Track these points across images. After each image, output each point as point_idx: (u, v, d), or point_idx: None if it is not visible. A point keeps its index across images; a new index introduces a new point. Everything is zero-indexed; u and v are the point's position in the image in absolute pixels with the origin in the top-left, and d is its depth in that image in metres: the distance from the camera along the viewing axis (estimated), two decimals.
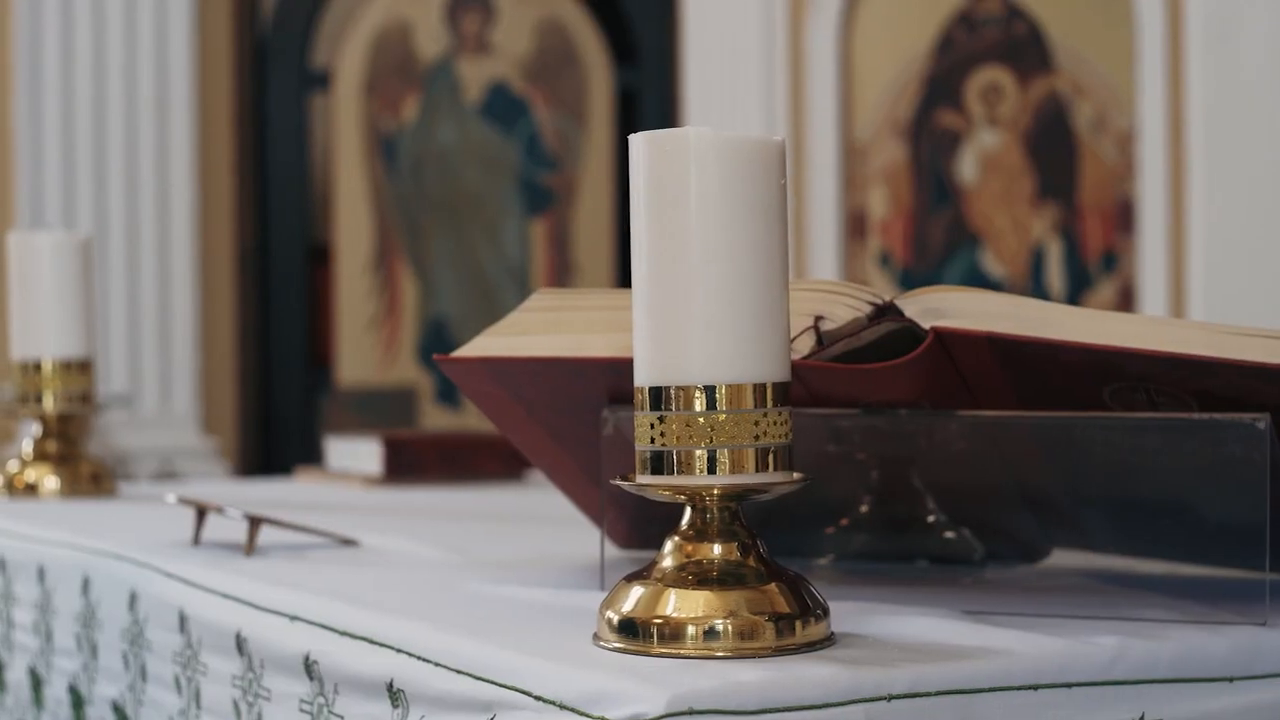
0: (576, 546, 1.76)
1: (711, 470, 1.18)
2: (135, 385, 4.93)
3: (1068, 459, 1.41)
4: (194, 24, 5.07)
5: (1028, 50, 4.40)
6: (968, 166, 4.52)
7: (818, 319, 1.35)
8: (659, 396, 1.19)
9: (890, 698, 1.12)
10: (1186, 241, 3.98)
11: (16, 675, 2.04)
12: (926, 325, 1.32)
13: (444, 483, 2.61)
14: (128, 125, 4.98)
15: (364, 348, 5.38)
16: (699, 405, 1.18)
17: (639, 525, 1.58)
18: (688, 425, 1.18)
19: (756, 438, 1.18)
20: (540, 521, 2.15)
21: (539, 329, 1.46)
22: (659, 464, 1.19)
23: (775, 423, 1.19)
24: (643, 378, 1.20)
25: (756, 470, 1.19)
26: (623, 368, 1.41)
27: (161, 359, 5.01)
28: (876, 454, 1.51)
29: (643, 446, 1.20)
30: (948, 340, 1.32)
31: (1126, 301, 4.23)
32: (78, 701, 1.88)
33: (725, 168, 1.18)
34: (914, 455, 1.50)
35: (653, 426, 1.19)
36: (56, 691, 1.93)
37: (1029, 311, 1.31)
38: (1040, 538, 1.57)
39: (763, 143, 1.19)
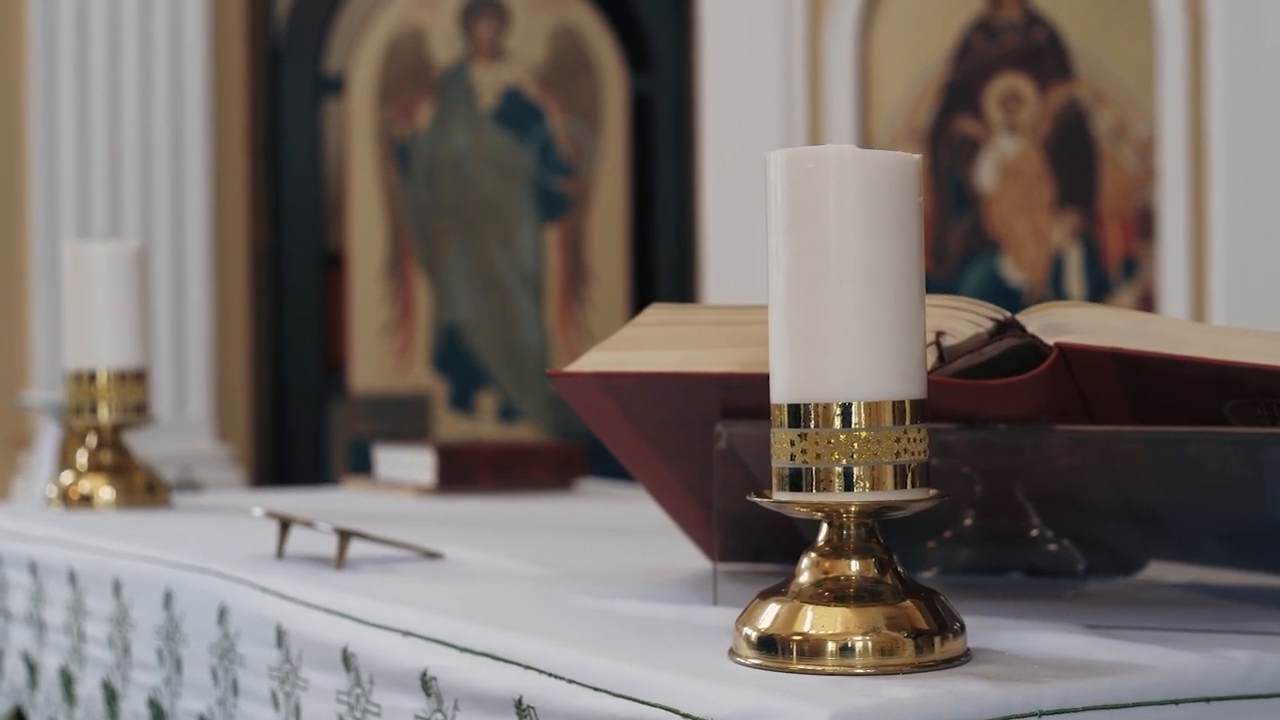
0: (664, 558, 1.77)
1: (849, 487, 1.19)
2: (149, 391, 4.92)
3: (1180, 473, 1.41)
4: (208, 30, 5.06)
5: (1047, 57, 4.41)
6: (987, 173, 4.52)
7: (939, 335, 1.36)
8: (798, 413, 1.19)
9: (1041, 714, 1.12)
10: (1208, 248, 3.99)
11: (88, 689, 2.04)
12: (1050, 341, 1.33)
13: (496, 492, 2.60)
14: (142, 131, 4.97)
15: (378, 354, 5.37)
16: (838, 423, 1.18)
17: (741, 540, 1.58)
18: (829, 442, 1.18)
19: (897, 454, 1.18)
20: (613, 532, 2.15)
21: (652, 344, 1.46)
22: (797, 481, 1.20)
23: (914, 439, 1.19)
24: (781, 394, 1.20)
25: (895, 487, 1.19)
26: (737, 383, 1.42)
27: (176, 365, 5.00)
28: (981, 468, 1.51)
29: (781, 463, 1.20)
30: (1069, 355, 1.32)
31: (1147, 309, 4.24)
32: (159, 715, 1.87)
33: (865, 185, 1.18)
34: (1018, 469, 1.50)
35: (792, 444, 1.19)
36: (134, 705, 1.93)
37: (1153, 327, 1.32)
38: (1139, 550, 1.57)
39: (901, 160, 1.20)
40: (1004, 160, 4.50)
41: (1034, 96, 4.45)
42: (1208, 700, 1.19)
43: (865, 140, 4.66)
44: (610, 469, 2.69)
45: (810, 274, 1.19)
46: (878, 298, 1.18)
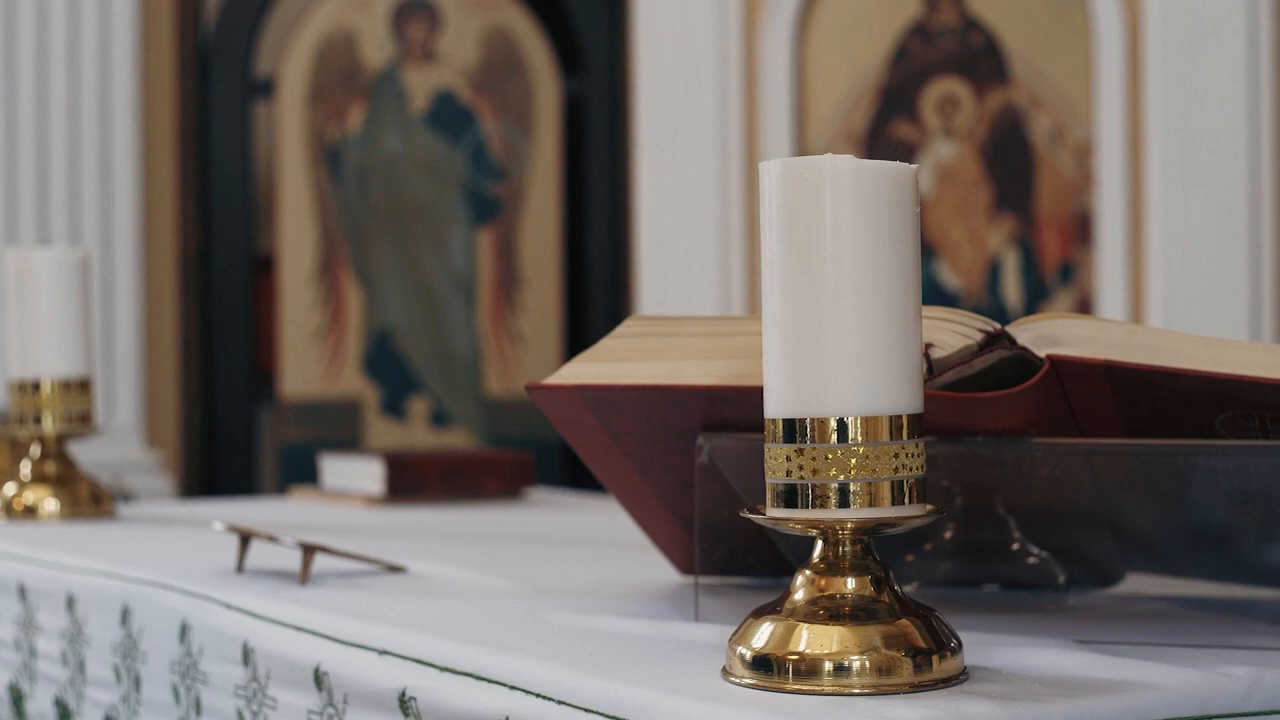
0: (634, 571, 1.74)
1: (845, 504, 1.16)
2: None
3: (1165, 485, 1.40)
4: (136, 31, 5.00)
5: (984, 62, 4.41)
6: (923, 178, 4.52)
7: (928, 347, 1.34)
8: (793, 428, 1.17)
9: None
10: (1145, 253, 4.00)
11: (40, 705, 2.00)
12: (1041, 353, 1.31)
13: (446, 501, 2.57)
14: (70, 134, 4.91)
15: (308, 359, 5.32)
16: (834, 438, 1.16)
17: (719, 554, 1.55)
18: (827, 458, 1.16)
19: (895, 470, 1.16)
20: (575, 543, 2.12)
21: (632, 356, 1.43)
22: (792, 497, 1.17)
23: (912, 454, 1.17)
24: (776, 409, 1.18)
25: (892, 503, 1.17)
26: (721, 396, 1.40)
27: (105, 371, 4.93)
28: (962, 480, 1.49)
29: (776, 479, 1.18)
30: (1060, 368, 1.31)
31: (1084, 313, 4.24)
32: None
33: (861, 195, 1.16)
34: (999, 481, 1.49)
35: (789, 459, 1.17)
36: None
37: (1145, 339, 1.30)
38: (1118, 562, 1.56)
39: (898, 170, 1.17)
40: (940, 165, 4.50)
41: (971, 101, 4.45)
42: (1210, 718, 1.17)
43: (801, 144, 4.64)
44: (554, 477, 2.67)
45: (806, 286, 1.16)
46: (875, 310, 1.16)
